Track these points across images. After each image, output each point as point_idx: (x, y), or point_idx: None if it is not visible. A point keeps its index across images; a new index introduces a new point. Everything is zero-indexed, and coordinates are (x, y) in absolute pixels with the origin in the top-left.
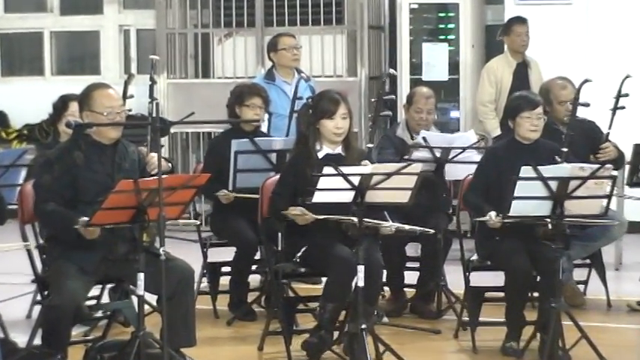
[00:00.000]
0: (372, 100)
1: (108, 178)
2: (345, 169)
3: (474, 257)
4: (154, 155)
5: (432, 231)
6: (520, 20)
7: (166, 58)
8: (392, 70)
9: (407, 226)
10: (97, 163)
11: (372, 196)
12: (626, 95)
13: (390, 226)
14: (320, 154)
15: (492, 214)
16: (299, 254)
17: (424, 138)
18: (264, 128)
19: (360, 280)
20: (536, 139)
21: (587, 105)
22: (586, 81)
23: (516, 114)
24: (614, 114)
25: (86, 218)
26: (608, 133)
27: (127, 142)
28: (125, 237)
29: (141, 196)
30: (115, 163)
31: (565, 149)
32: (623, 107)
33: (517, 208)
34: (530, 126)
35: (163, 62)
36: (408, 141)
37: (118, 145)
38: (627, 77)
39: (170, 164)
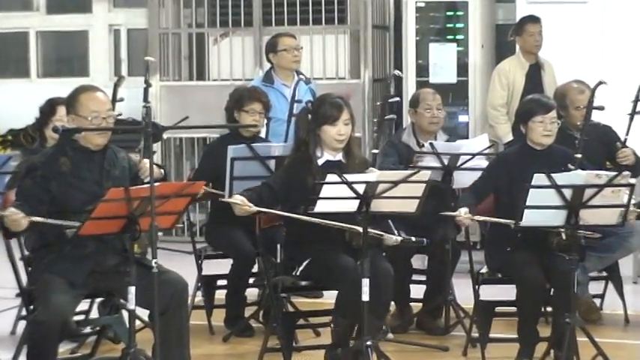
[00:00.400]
0: (378, 103)
1: (96, 185)
2: (349, 177)
3: (484, 269)
4: (147, 162)
5: (425, 240)
6: (533, 19)
7: (159, 59)
8: (397, 72)
9: (413, 238)
10: (84, 171)
11: (378, 206)
12: None
13: (394, 238)
14: (320, 161)
15: (462, 210)
16: (301, 268)
17: (431, 144)
18: (262, 134)
19: (364, 294)
20: (550, 144)
21: (601, 108)
22: (600, 83)
23: (529, 118)
24: (631, 119)
25: (73, 230)
26: (626, 139)
27: (117, 148)
28: (115, 248)
29: (132, 205)
30: (104, 170)
31: (579, 155)
32: None
33: (530, 218)
34: (544, 131)
35: (156, 64)
36: (414, 147)
37: (107, 151)
38: None
39: (162, 170)
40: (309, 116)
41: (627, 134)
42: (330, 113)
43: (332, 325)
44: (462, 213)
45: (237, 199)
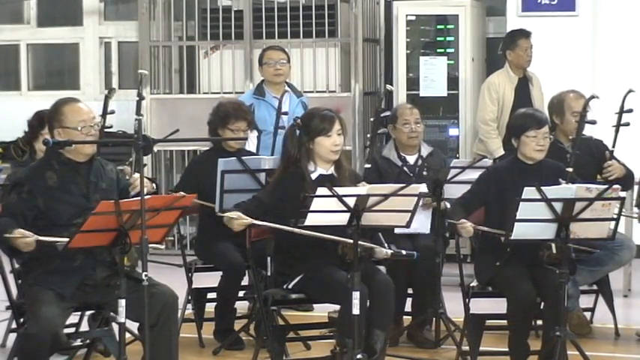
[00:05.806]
0: (371, 119)
1: (83, 198)
2: (340, 190)
3: (474, 283)
4: (138, 177)
5: (415, 253)
6: (525, 34)
7: (150, 72)
8: (389, 86)
9: (404, 251)
10: (71, 184)
11: (369, 219)
12: (630, 111)
13: (385, 251)
14: (313, 176)
15: (464, 220)
16: (294, 282)
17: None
18: (252, 147)
19: (355, 307)
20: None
21: (594, 122)
22: (592, 97)
23: (522, 133)
24: (617, 131)
25: (65, 241)
26: (612, 151)
27: (105, 160)
28: (105, 261)
29: (122, 218)
30: (91, 183)
31: (570, 169)
32: (627, 124)
33: (520, 231)
34: (536, 146)
35: (147, 76)
36: (396, 161)
37: (94, 163)
38: (630, 92)
39: (154, 184)
40: (298, 132)
41: (613, 146)
42: (322, 126)
43: (336, 348)
44: (466, 222)
45: (234, 213)
